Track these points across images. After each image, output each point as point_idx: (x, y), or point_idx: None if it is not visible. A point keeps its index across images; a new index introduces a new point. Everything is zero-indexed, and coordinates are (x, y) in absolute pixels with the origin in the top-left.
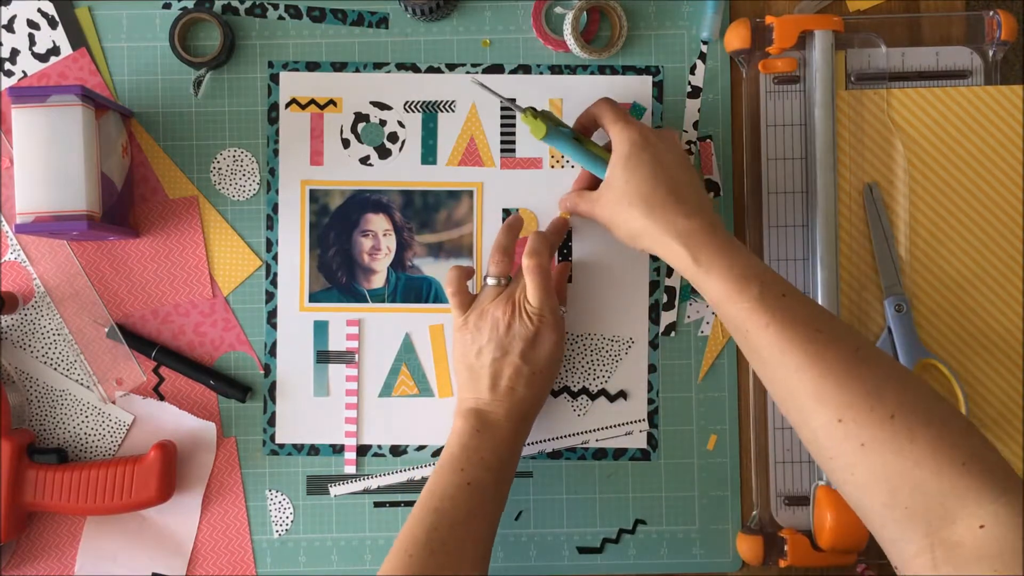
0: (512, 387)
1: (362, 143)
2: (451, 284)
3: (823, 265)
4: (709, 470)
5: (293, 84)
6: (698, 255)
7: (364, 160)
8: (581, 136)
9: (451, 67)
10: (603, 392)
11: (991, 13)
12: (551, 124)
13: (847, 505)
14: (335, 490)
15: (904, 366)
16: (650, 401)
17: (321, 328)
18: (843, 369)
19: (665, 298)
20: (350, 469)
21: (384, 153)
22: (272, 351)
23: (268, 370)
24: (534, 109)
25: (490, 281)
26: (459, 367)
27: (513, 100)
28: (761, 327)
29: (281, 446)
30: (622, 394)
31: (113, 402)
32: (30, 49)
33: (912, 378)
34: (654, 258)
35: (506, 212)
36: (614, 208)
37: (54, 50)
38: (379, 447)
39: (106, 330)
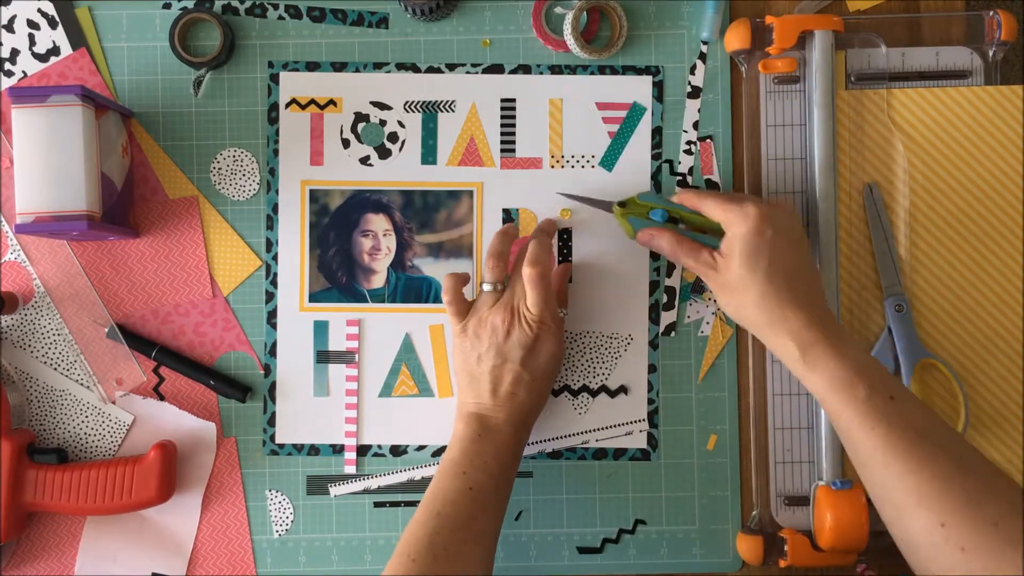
0: (513, 392)
1: (362, 143)
2: (447, 292)
3: (823, 265)
4: (709, 470)
5: (293, 84)
6: (805, 351)
7: (364, 160)
8: (681, 213)
9: (451, 67)
10: (604, 388)
11: (991, 13)
12: (640, 218)
13: (847, 505)
14: (335, 490)
15: (1003, 471)
16: (650, 401)
17: (321, 328)
18: (948, 475)
19: (665, 298)
20: (350, 469)
21: (384, 153)
22: (272, 351)
23: (268, 370)
24: (622, 204)
25: (486, 287)
26: (459, 373)
27: (607, 203)
28: (866, 430)
29: (281, 446)
30: (623, 389)
31: (113, 402)
32: (30, 49)
33: (1013, 484)
34: (654, 258)
35: (506, 212)
36: (729, 290)
37: (54, 50)
38: (379, 447)
39: (106, 330)
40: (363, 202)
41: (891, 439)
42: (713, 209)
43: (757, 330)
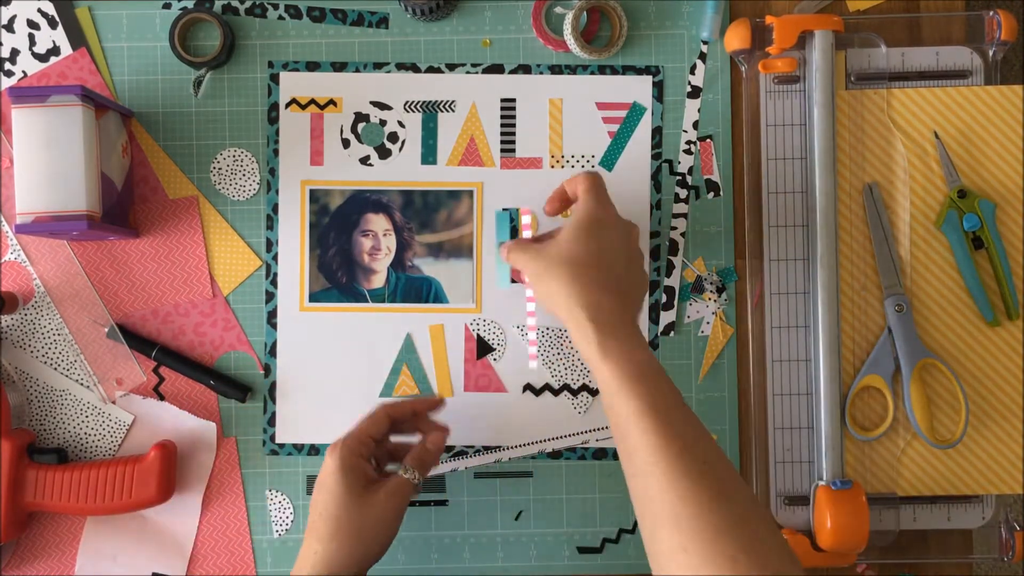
0: None
1: (362, 143)
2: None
3: (823, 265)
4: None
5: (293, 84)
6: (603, 337)
7: (364, 160)
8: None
9: (451, 67)
10: None
11: (991, 13)
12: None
13: (847, 505)
14: None
15: (762, 506)
16: None
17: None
18: (706, 499)
19: (665, 298)
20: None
21: (384, 153)
22: (272, 351)
23: (268, 370)
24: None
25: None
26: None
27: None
28: (641, 430)
29: (281, 446)
30: None
31: (113, 402)
32: (30, 49)
33: (765, 515)
34: (654, 258)
35: (506, 212)
36: (546, 264)
37: (54, 50)
38: None
39: (106, 330)
40: (363, 202)
41: (661, 444)
42: (581, 184)
43: (563, 306)
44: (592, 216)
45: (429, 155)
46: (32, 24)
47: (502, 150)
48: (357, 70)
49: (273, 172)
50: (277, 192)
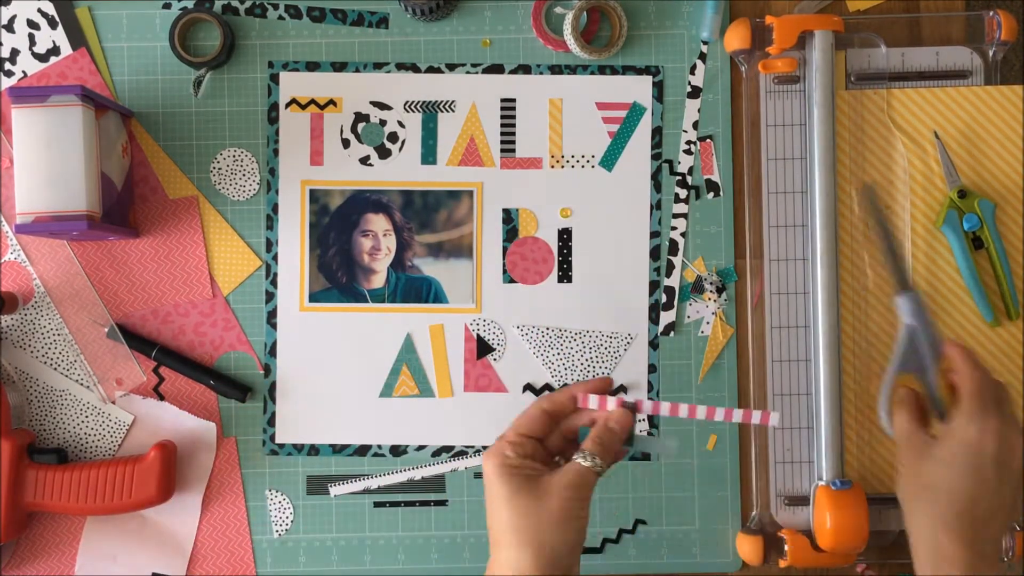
0: None
1: (362, 143)
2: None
3: (823, 265)
4: (709, 470)
5: (293, 84)
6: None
7: (364, 160)
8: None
9: (451, 67)
10: None
11: (991, 13)
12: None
13: (847, 505)
14: (335, 490)
15: None
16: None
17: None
18: None
19: (665, 298)
20: None
21: (384, 153)
22: (272, 351)
23: (268, 370)
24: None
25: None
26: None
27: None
28: None
29: (281, 446)
30: (622, 389)
31: (113, 402)
32: (30, 49)
33: None
34: (654, 258)
35: (506, 212)
36: (941, 472)
37: (54, 50)
38: (379, 447)
39: (106, 330)
40: (363, 202)
41: None
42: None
43: (934, 530)
44: (992, 422)
45: (429, 155)
46: (32, 24)
47: (502, 150)
48: (357, 70)
49: (273, 172)
50: (277, 192)
